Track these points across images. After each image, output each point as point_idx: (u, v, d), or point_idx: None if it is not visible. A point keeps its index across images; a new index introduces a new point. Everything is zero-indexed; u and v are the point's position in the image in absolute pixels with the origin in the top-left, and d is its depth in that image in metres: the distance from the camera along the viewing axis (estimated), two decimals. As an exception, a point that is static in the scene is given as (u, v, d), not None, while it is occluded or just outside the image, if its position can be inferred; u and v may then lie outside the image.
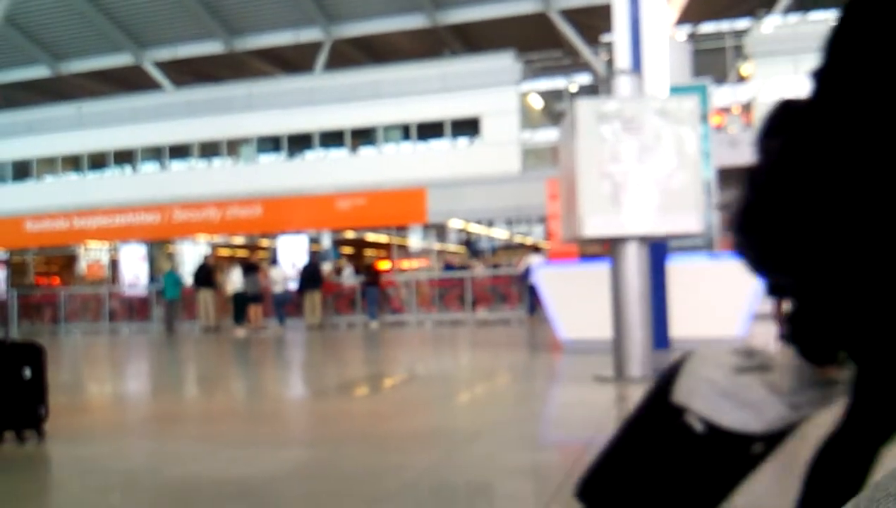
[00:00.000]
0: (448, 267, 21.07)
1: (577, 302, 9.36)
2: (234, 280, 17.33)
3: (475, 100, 22.15)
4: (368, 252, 26.85)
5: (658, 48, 8.07)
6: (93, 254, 26.81)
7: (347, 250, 25.71)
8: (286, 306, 18.44)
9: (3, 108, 27.92)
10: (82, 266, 26.90)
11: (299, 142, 24.31)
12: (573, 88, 26.48)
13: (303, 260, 22.58)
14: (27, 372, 4.60)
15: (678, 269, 8.94)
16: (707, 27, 23.68)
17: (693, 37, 22.32)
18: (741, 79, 22.33)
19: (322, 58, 24.79)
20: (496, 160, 21.66)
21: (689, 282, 8.92)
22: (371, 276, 18.60)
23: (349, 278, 19.98)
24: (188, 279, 21.32)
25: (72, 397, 6.99)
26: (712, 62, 21.54)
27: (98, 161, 26.35)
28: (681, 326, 8.79)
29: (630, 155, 6.47)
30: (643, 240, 6.67)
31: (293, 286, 18.96)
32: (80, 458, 4.36)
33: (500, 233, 24.33)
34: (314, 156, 24.31)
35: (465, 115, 22.50)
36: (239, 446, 4.53)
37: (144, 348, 14.59)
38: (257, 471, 3.83)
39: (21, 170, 27.25)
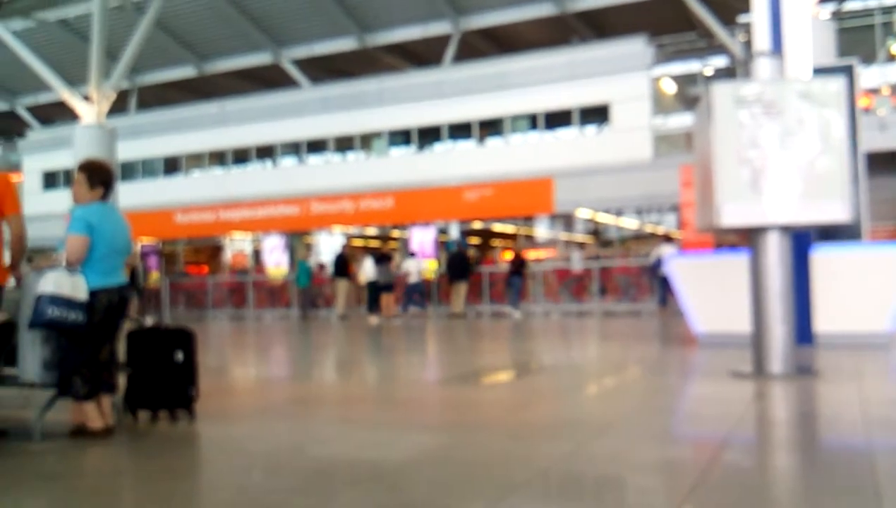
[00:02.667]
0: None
1: (713, 294, 9.05)
2: (367, 269, 17.84)
3: (604, 87, 21.73)
4: (495, 242, 26.94)
5: (800, 27, 7.66)
6: (237, 245, 28.26)
7: (475, 240, 25.90)
8: (417, 295, 18.81)
9: (154, 107, 29.83)
10: (227, 255, 28.41)
11: (428, 135, 24.67)
12: (708, 72, 25.51)
13: (428, 249, 22.93)
14: (179, 356, 4.91)
15: (823, 260, 8.48)
16: (853, 4, 22.20)
17: (838, 14, 20.98)
18: (891, 58, 20.82)
19: (450, 50, 25.01)
20: (626, 147, 21.19)
21: (835, 274, 8.44)
22: (516, 265, 18.41)
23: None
24: (325, 269, 22.22)
25: (219, 379, 7.41)
26: (859, 41, 20.21)
27: (241, 156, 27.71)
28: (825, 320, 8.35)
29: (770, 140, 6.19)
30: (785, 229, 6.36)
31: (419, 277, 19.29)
32: (228, 437, 4.62)
33: (630, 223, 23.83)
34: (442, 148, 24.60)
35: (593, 103, 22.13)
36: (373, 429, 4.68)
37: (284, 334, 15.26)
38: (391, 455, 3.94)
39: (171, 166, 29.04)
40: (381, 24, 25.86)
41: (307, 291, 20.90)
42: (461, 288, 18.56)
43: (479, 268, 20.47)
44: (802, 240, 8.20)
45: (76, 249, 4.39)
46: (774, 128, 6.19)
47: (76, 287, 4.31)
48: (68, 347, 4.40)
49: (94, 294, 4.39)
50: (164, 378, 4.91)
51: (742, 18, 20.46)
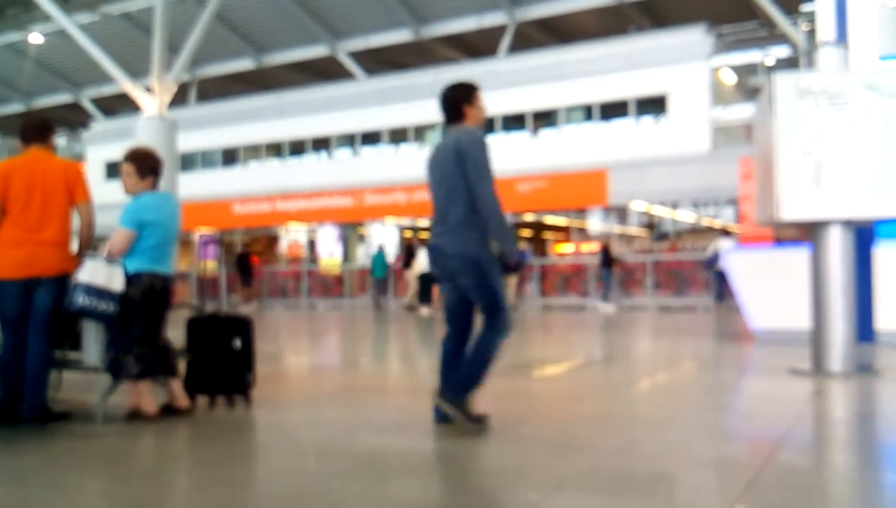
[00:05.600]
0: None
1: (771, 289, 8.86)
2: (421, 261, 17.91)
3: (662, 77, 21.40)
4: (547, 235, 26.80)
5: (866, 16, 7.43)
6: (293, 235, 28.66)
7: (526, 233, 25.79)
8: None
9: (213, 99, 30.38)
10: (283, 245, 28.83)
11: (482, 126, 24.60)
12: (769, 62, 24.92)
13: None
14: (237, 343, 5.01)
15: (886, 255, 8.23)
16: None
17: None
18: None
19: (506, 41, 24.89)
20: (683, 139, 20.84)
21: (900, 271, 8.19)
22: (605, 258, 18.10)
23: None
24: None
25: (274, 366, 7.54)
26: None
27: (297, 147, 28.06)
28: (888, 318, 8.11)
29: (834, 132, 6.03)
30: (848, 223, 6.20)
31: None
32: (283, 423, 4.71)
33: (686, 216, 23.45)
34: (495, 140, 24.52)
35: (650, 94, 21.81)
36: (425, 419, 4.70)
37: (337, 324, 15.44)
38: (442, 445, 3.97)
39: (229, 157, 29.56)
40: (436, 15, 25.88)
41: (382, 282, 21.07)
42: (511, 281, 18.51)
43: (530, 261, 20.38)
44: (865, 235, 7.97)
45: (120, 243, 4.49)
46: (838, 119, 6.03)
47: (111, 277, 4.38)
48: (116, 329, 4.49)
49: (137, 275, 4.48)
50: (222, 364, 5.01)
51: (805, 7, 19.91)
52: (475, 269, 4.07)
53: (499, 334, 4.13)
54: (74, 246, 4.61)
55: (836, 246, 6.19)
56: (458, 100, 4.51)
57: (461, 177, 4.09)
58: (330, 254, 26.81)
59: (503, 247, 4.06)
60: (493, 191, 4.03)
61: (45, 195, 4.43)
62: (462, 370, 4.18)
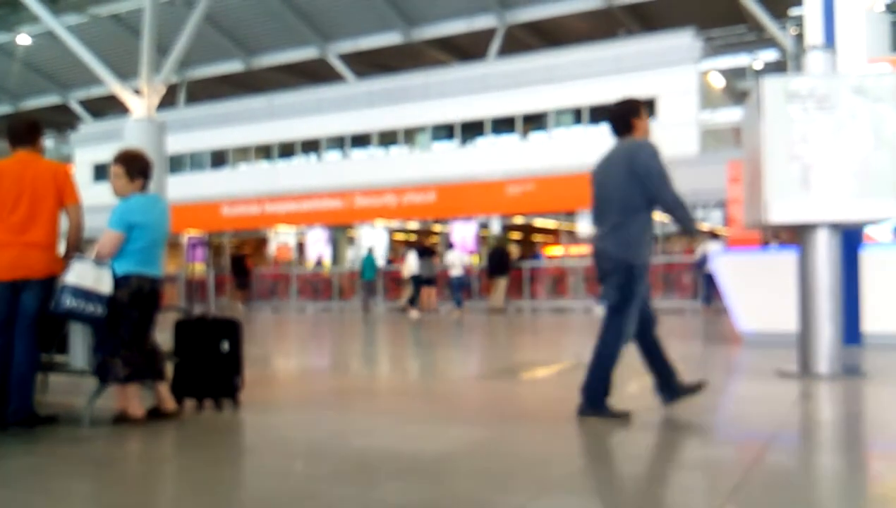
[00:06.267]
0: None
1: (759, 291, 8.90)
2: (411, 263, 17.89)
3: (651, 81, 21.46)
4: (536, 237, 26.83)
5: (854, 21, 7.48)
6: (282, 237, 28.57)
7: (516, 235, 25.82)
8: (463, 289, 18.76)
9: (202, 101, 30.27)
10: (272, 248, 28.75)
11: (471, 129, 24.65)
12: (757, 66, 25.06)
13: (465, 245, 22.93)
14: (226, 346, 4.99)
15: (873, 258, 8.29)
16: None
17: (892, 7, 20.41)
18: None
19: (496, 44, 24.92)
20: (672, 142, 20.82)
21: (886, 273, 8.24)
22: None
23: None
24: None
25: (263, 369, 7.51)
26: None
27: (287, 150, 28.00)
28: (874, 321, 8.16)
29: (822, 135, 6.06)
30: (835, 226, 6.23)
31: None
32: (271, 426, 4.69)
33: (676, 219, 23.50)
34: (485, 143, 24.56)
35: (640, 97, 21.80)
36: (414, 422, 4.70)
37: (326, 326, 15.40)
38: (431, 447, 3.96)
39: (218, 159, 29.46)
40: (426, 18, 25.90)
41: (370, 284, 21.06)
42: (501, 284, 18.53)
43: (519, 264, 20.39)
44: (852, 238, 8.02)
45: (108, 245, 4.46)
46: (826, 123, 6.06)
47: (99, 280, 4.35)
48: (104, 332, 4.46)
49: (125, 277, 4.45)
50: (210, 367, 4.99)
51: (793, 11, 20.05)
52: (626, 272, 4.44)
53: (617, 336, 4.54)
54: (62, 248, 4.58)
55: (823, 249, 6.22)
56: (627, 113, 4.92)
57: (628, 186, 4.49)
58: (321, 255, 26.76)
59: (683, 224, 4.55)
60: (674, 192, 4.43)
61: (32, 197, 4.40)
62: (586, 377, 4.51)
